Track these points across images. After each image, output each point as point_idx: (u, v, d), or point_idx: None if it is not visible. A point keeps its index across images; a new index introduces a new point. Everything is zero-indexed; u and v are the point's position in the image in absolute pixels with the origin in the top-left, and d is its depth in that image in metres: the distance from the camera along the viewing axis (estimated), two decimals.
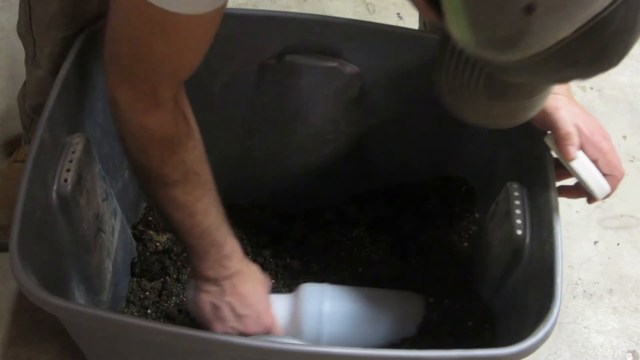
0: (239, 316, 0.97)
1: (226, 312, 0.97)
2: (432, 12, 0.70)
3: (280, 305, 1.04)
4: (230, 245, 0.97)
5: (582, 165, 0.97)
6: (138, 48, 0.82)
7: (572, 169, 0.97)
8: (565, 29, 0.62)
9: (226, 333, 0.97)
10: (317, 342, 1.03)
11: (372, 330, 1.06)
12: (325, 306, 1.04)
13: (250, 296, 0.98)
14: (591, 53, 0.64)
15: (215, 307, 0.98)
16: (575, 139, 0.95)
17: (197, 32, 0.82)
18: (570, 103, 0.98)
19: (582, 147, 0.97)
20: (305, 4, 1.89)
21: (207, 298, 0.98)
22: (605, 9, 0.61)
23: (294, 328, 1.03)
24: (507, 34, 0.63)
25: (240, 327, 0.97)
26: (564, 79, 0.70)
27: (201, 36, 0.83)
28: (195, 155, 0.91)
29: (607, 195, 0.99)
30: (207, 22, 0.81)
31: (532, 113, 0.82)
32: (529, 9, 0.60)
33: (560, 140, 0.96)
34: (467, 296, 1.12)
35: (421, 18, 1.36)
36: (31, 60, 1.16)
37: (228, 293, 0.97)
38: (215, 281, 0.97)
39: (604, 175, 0.97)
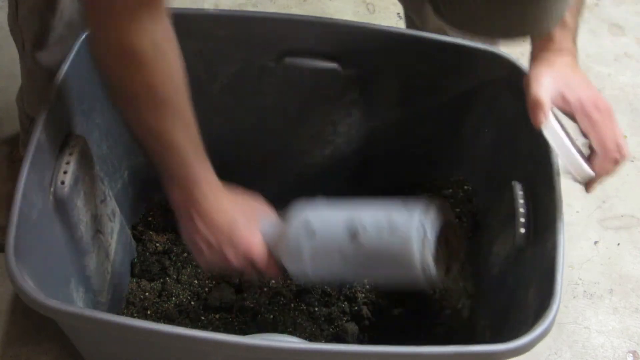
0: (211, 245, 0.93)
1: (201, 244, 0.93)
2: None
3: (270, 225, 0.96)
4: (202, 173, 0.92)
5: (556, 138, 0.90)
6: None
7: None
8: None
9: (209, 263, 0.94)
10: (300, 256, 0.93)
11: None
12: (310, 215, 0.94)
13: (221, 223, 0.92)
14: None
15: (193, 242, 0.94)
16: (544, 107, 0.90)
17: None
18: (565, 68, 0.93)
19: (573, 119, 0.91)
20: (305, 4, 1.90)
21: (185, 233, 0.95)
22: None
23: (280, 245, 0.95)
24: None
25: (218, 257, 0.93)
26: None
27: None
28: (166, 82, 0.86)
29: (598, 178, 0.90)
30: None
31: (545, 23, 0.76)
32: None
33: (528, 104, 0.91)
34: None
35: (405, 15, 1.35)
36: (21, 51, 1.16)
37: (199, 224, 0.92)
38: (186, 211, 0.92)
39: (595, 152, 0.90)
